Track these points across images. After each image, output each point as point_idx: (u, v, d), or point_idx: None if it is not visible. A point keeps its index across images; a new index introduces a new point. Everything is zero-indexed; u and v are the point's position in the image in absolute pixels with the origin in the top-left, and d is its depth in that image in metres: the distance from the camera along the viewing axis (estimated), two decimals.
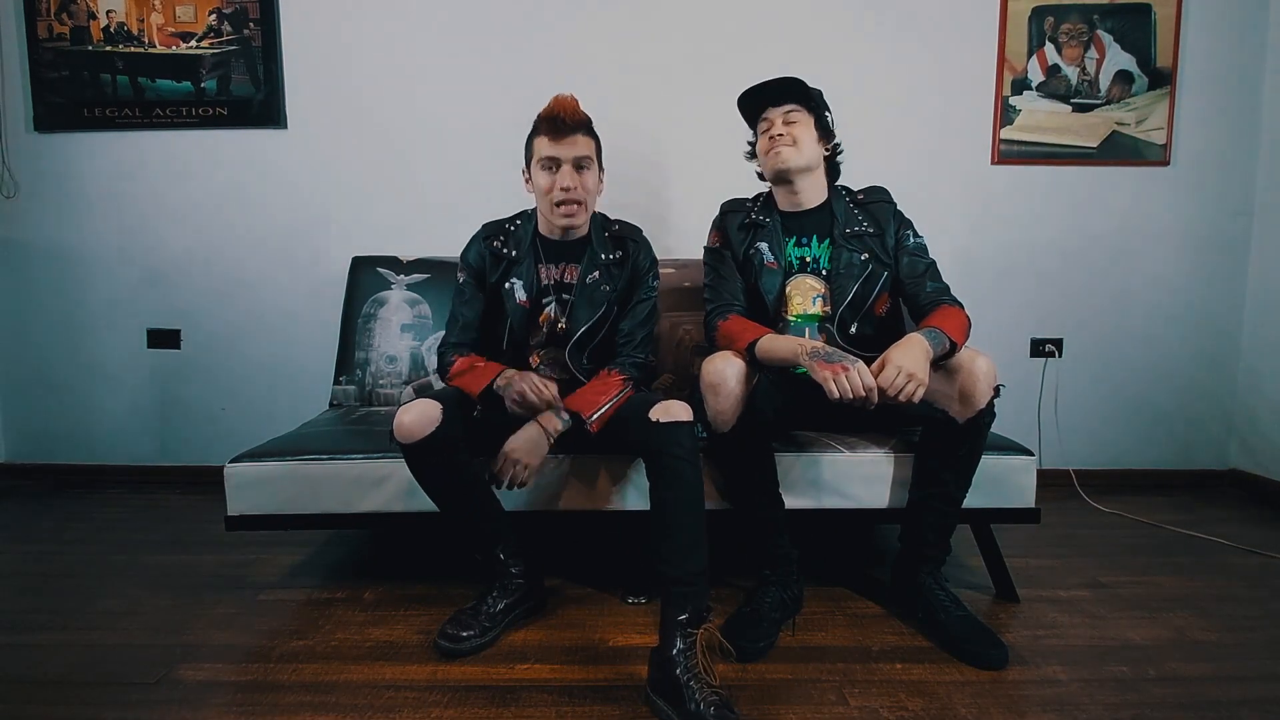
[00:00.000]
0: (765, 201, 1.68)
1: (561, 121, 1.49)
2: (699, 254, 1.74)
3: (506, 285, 1.60)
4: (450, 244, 1.86)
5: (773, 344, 1.46)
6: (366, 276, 2.19)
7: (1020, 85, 2.43)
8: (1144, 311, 2.50)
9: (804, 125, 1.58)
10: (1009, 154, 2.45)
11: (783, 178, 1.60)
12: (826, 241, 1.61)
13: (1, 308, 2.53)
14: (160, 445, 2.56)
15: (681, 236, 2.35)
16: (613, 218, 1.69)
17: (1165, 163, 2.45)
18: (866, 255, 1.59)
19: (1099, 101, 2.43)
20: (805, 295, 1.60)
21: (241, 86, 2.42)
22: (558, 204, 1.52)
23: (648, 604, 1.60)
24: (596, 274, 1.59)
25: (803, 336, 1.54)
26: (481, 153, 2.41)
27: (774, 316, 1.60)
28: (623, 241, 1.64)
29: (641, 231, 1.69)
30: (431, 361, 2.09)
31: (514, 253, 1.60)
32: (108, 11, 2.41)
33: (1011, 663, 1.36)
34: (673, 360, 2.07)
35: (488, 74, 2.42)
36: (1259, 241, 2.46)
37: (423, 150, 2.45)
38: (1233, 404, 2.54)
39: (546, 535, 1.92)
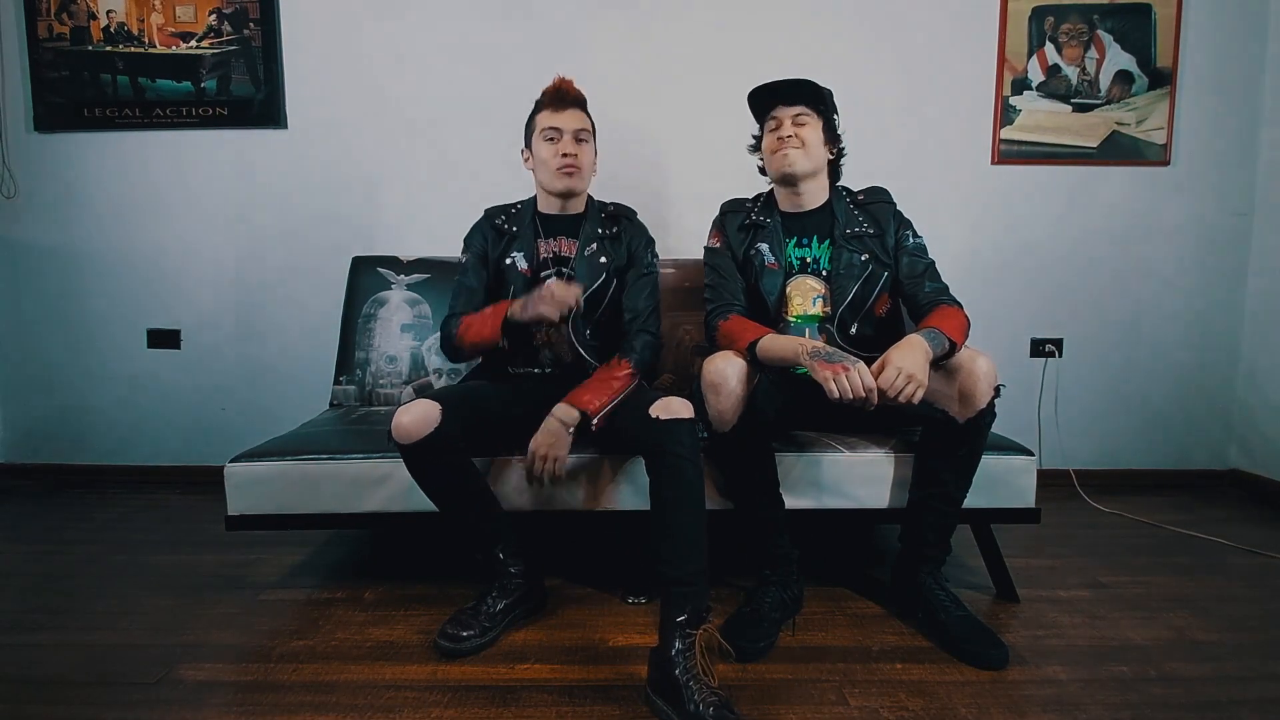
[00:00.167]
0: (766, 202, 1.68)
1: (564, 94, 1.60)
2: (699, 254, 1.74)
3: (508, 261, 1.64)
4: (450, 244, 1.86)
5: (773, 344, 1.46)
6: (366, 276, 2.18)
7: (1020, 85, 2.43)
8: (1144, 311, 2.51)
9: (813, 128, 1.58)
10: (1009, 154, 2.45)
11: (788, 180, 1.60)
12: (827, 242, 1.61)
13: (1, 308, 2.53)
14: (160, 445, 2.56)
15: (681, 236, 2.35)
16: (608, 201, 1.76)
17: (1165, 163, 2.45)
18: (867, 256, 1.59)
19: (1099, 101, 2.43)
20: (805, 296, 1.60)
21: (241, 86, 2.42)
22: (559, 167, 1.59)
23: (648, 604, 1.60)
24: (594, 246, 1.65)
25: (803, 337, 1.54)
26: (482, 153, 2.42)
27: (774, 317, 1.60)
28: (617, 219, 1.70)
29: (636, 214, 1.74)
30: (432, 361, 2.10)
31: (515, 229, 1.66)
32: (108, 11, 2.41)
33: (1012, 663, 1.36)
34: (673, 360, 2.07)
35: (487, 74, 2.42)
36: (1259, 241, 2.46)
37: (423, 150, 2.45)
38: (1232, 404, 2.54)
39: (546, 535, 1.92)
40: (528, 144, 1.66)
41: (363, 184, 2.47)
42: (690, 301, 2.05)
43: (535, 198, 1.70)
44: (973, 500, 1.53)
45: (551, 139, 1.59)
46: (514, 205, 1.72)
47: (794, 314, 1.60)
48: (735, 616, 1.46)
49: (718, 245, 1.67)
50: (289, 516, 1.58)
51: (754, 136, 1.70)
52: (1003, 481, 1.59)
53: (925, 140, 2.44)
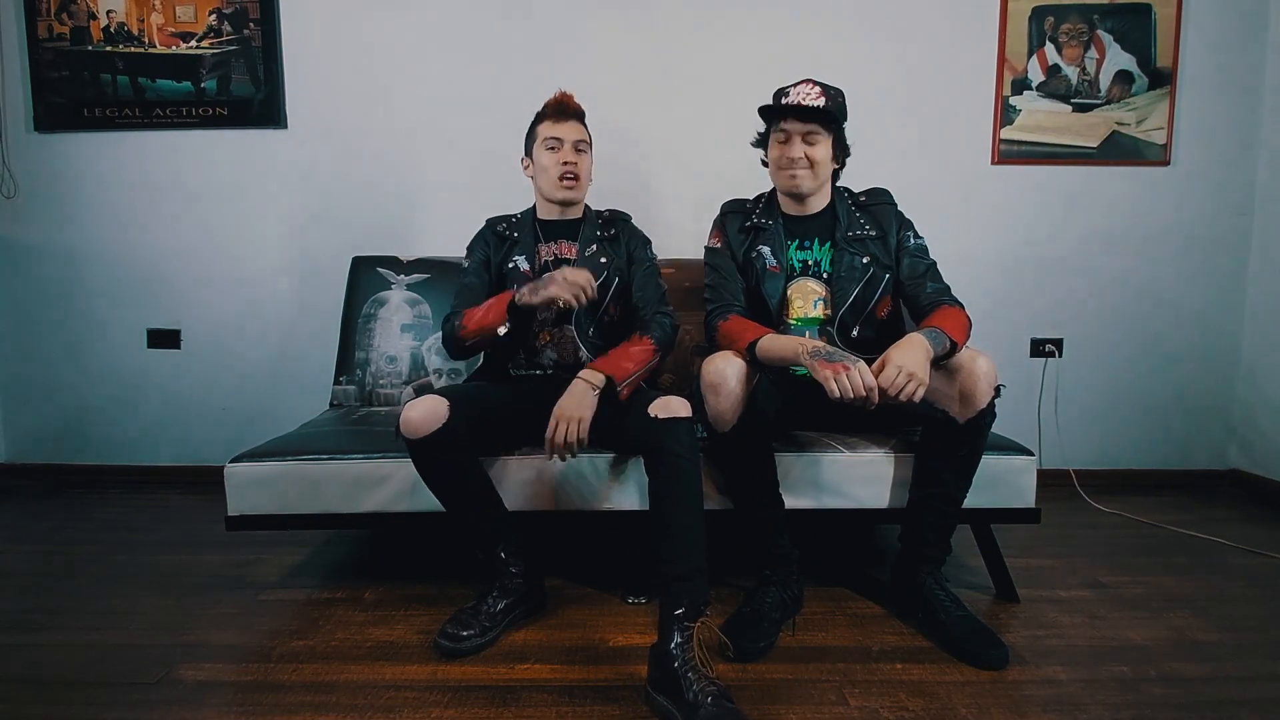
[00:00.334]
0: (768, 203, 1.67)
1: (565, 107, 1.67)
2: (698, 254, 1.74)
3: (510, 264, 1.68)
4: (450, 244, 1.87)
5: (773, 344, 1.45)
6: (366, 276, 2.19)
7: (1020, 85, 2.43)
8: (1144, 311, 2.51)
9: (823, 146, 1.55)
10: (1009, 154, 2.45)
11: (793, 195, 1.60)
12: (828, 245, 1.61)
13: (1, 308, 2.53)
14: (160, 445, 2.56)
15: (681, 236, 2.35)
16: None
17: (1165, 163, 2.45)
18: (868, 259, 1.58)
19: (1099, 101, 2.43)
20: (806, 298, 1.60)
21: (241, 86, 2.42)
22: (560, 177, 1.64)
23: (648, 604, 1.59)
24: (594, 247, 1.70)
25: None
26: (481, 153, 2.42)
27: (776, 320, 1.60)
28: (614, 222, 1.76)
29: (631, 218, 1.79)
30: (432, 361, 2.10)
31: (516, 234, 1.71)
32: (108, 11, 2.41)
33: (1012, 663, 1.36)
34: (673, 360, 2.07)
35: (487, 75, 2.42)
36: (1259, 241, 2.46)
37: (423, 150, 2.45)
38: (1232, 404, 2.54)
39: (546, 535, 1.92)
40: (528, 153, 1.70)
41: (363, 184, 2.47)
42: (690, 301, 2.05)
43: (535, 206, 1.74)
44: (973, 500, 1.53)
45: (553, 148, 1.64)
46: (514, 214, 1.76)
47: (795, 316, 1.60)
48: (735, 616, 1.46)
49: (718, 245, 1.67)
50: (289, 516, 1.59)
51: (759, 133, 1.67)
52: (1003, 481, 1.59)
53: (925, 140, 2.44)
